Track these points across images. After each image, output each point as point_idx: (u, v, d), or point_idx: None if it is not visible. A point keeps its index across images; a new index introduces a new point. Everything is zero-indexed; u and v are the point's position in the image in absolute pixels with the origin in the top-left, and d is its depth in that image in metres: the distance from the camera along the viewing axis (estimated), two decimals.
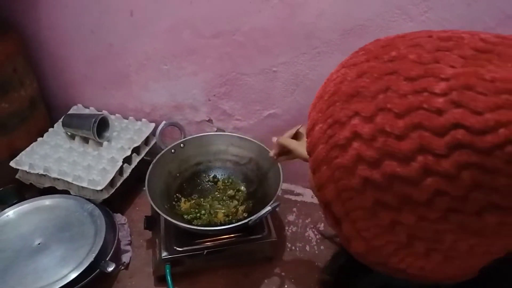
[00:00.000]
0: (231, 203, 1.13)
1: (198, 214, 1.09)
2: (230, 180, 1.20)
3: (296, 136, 0.89)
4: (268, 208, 0.92)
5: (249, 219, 0.94)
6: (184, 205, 1.12)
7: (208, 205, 1.13)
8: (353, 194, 0.32)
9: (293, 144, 0.86)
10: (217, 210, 1.11)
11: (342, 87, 0.34)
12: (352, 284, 0.45)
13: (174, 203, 1.13)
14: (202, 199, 1.15)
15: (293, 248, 1.14)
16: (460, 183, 0.27)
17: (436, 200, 0.28)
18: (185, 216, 1.09)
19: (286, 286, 1.04)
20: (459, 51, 0.29)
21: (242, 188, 1.18)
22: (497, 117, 0.25)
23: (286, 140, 0.88)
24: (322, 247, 1.14)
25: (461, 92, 0.27)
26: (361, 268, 0.40)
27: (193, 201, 1.14)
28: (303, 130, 0.89)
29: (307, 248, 1.14)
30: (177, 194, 1.15)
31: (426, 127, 0.28)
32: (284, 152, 0.91)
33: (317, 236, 1.17)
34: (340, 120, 0.33)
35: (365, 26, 0.93)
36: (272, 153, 0.93)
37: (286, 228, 1.20)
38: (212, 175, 1.22)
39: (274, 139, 0.92)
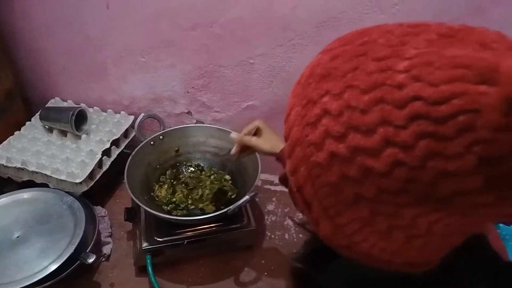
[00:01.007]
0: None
1: (179, 203, 1.10)
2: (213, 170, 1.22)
3: (255, 132, 0.91)
4: (246, 197, 0.94)
5: (227, 208, 0.96)
6: (159, 191, 1.13)
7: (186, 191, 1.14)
8: (321, 170, 0.34)
9: (253, 141, 0.89)
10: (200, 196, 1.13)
11: (316, 70, 0.35)
12: (320, 273, 0.47)
13: (153, 194, 1.14)
14: (176, 185, 1.16)
15: (273, 236, 1.17)
16: (417, 153, 0.28)
17: (395, 170, 0.29)
18: (164, 207, 1.10)
19: (265, 273, 1.06)
20: (425, 35, 0.31)
21: (227, 177, 1.18)
22: (451, 88, 0.27)
23: (245, 137, 0.90)
24: (300, 235, 1.17)
25: (421, 68, 0.29)
26: (329, 257, 0.42)
27: (166, 185, 1.15)
28: (261, 125, 0.90)
29: (286, 236, 1.17)
30: (154, 183, 1.17)
31: (387, 101, 0.29)
32: (244, 148, 0.93)
33: (296, 225, 1.20)
34: (312, 99, 0.34)
35: (339, 18, 0.95)
36: (233, 150, 0.94)
37: (266, 217, 1.22)
38: (194, 164, 1.23)
39: (233, 134, 0.94)
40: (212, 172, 1.21)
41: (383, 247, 0.35)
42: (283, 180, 0.80)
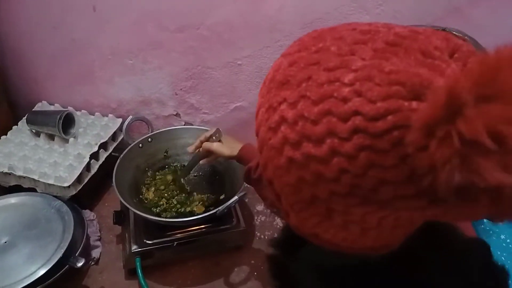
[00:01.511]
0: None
1: (167, 206, 1.10)
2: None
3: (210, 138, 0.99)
4: (235, 198, 0.95)
5: (216, 209, 0.96)
6: (147, 194, 1.13)
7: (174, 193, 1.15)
8: (282, 172, 0.36)
9: (214, 146, 0.97)
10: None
11: (277, 75, 0.37)
12: (291, 259, 0.49)
13: (141, 196, 1.14)
14: (163, 188, 1.16)
15: (262, 236, 1.17)
16: (359, 163, 0.30)
17: (342, 177, 0.31)
18: (153, 209, 1.10)
19: (255, 273, 1.07)
20: (373, 44, 0.32)
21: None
22: (386, 105, 0.29)
23: (207, 143, 0.99)
24: None
25: (363, 83, 0.30)
26: (300, 244, 0.44)
27: (153, 188, 1.15)
28: (219, 132, 0.99)
29: (276, 236, 1.17)
30: (142, 186, 1.17)
31: (334, 113, 0.31)
32: (207, 154, 1.02)
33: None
34: (272, 105, 0.36)
35: (324, 19, 0.97)
36: (191, 148, 1.04)
37: (255, 217, 1.23)
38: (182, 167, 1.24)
39: (190, 149, 1.04)
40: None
41: (343, 237, 0.38)
42: (246, 178, 0.84)
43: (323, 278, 0.45)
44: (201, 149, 1.01)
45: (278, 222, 1.21)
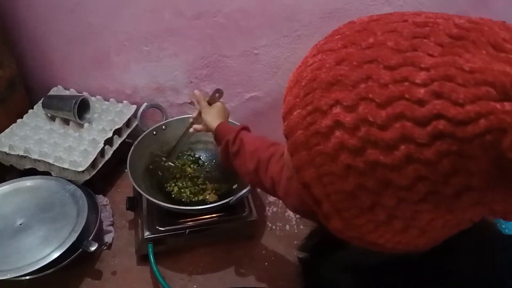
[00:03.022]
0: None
1: (184, 194, 1.11)
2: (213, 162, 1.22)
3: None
4: (248, 187, 0.94)
5: (229, 198, 0.96)
6: (173, 187, 1.13)
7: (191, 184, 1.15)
8: (335, 179, 0.33)
9: (204, 106, 0.96)
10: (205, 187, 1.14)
11: (320, 74, 0.34)
12: (326, 261, 0.47)
13: (158, 183, 1.14)
14: (186, 181, 1.16)
15: (273, 227, 1.17)
16: (441, 170, 0.28)
17: (417, 184, 0.29)
18: (173, 196, 1.10)
19: (266, 263, 1.07)
20: (436, 38, 0.30)
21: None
22: (477, 108, 0.26)
23: (203, 102, 0.97)
24: (301, 226, 1.17)
25: (441, 83, 0.28)
26: (336, 245, 0.42)
27: (180, 183, 1.15)
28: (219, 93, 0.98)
29: (287, 227, 1.17)
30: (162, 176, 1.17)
31: (408, 117, 0.28)
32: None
33: (297, 216, 1.20)
34: (320, 108, 0.33)
35: (344, 9, 0.95)
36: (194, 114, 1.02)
37: (267, 208, 1.23)
38: (195, 156, 1.24)
39: (197, 91, 1.00)
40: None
41: (397, 240, 0.35)
42: (223, 152, 0.83)
43: (359, 277, 0.43)
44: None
45: (290, 214, 1.21)
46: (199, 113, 0.98)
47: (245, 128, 0.84)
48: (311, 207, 0.38)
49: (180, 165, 1.20)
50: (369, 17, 0.36)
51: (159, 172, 1.16)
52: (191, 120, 1.02)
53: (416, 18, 0.32)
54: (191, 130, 1.02)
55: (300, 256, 0.51)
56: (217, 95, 0.98)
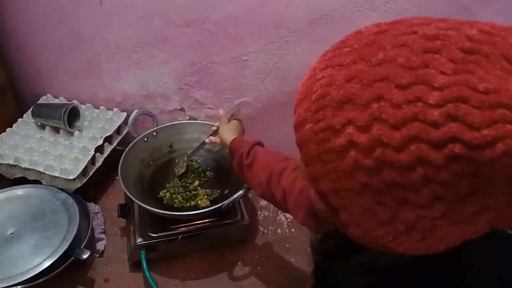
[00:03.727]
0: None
1: (176, 200, 1.11)
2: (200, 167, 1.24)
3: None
4: (240, 192, 0.95)
5: (221, 203, 0.97)
6: (165, 194, 1.14)
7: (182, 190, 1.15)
8: (352, 194, 0.33)
9: (220, 127, 1.00)
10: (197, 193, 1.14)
11: (331, 91, 0.34)
12: (343, 264, 0.47)
13: (149, 190, 1.14)
14: (178, 187, 1.17)
15: (265, 231, 1.18)
16: (458, 190, 0.28)
17: (435, 203, 0.29)
18: (164, 202, 1.11)
19: (259, 267, 1.07)
20: (448, 53, 0.29)
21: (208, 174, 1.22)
22: (494, 132, 0.26)
23: (223, 118, 1.01)
24: (293, 230, 1.18)
25: (456, 105, 0.27)
26: (354, 249, 0.41)
27: (172, 189, 1.16)
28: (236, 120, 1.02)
29: (279, 231, 1.18)
30: (153, 183, 1.17)
31: (423, 140, 0.28)
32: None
33: (288, 220, 1.22)
34: (333, 127, 0.33)
35: (331, 16, 0.97)
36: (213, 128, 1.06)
37: (259, 212, 1.24)
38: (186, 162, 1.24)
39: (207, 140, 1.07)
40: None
41: (416, 247, 0.36)
42: (238, 164, 0.85)
43: (374, 277, 0.43)
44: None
45: (281, 217, 1.22)
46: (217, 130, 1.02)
47: (259, 143, 0.87)
48: (328, 214, 0.38)
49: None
50: (377, 26, 0.36)
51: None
52: (213, 129, 1.06)
53: (426, 30, 0.31)
54: (206, 140, 1.07)
55: (315, 259, 0.51)
56: (237, 112, 1.03)
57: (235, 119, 1.02)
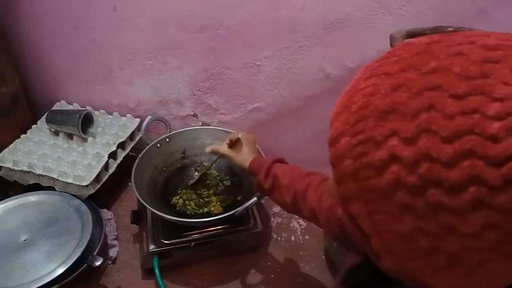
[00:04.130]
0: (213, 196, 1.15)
1: (189, 207, 1.10)
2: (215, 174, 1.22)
3: (235, 141, 0.98)
4: (254, 198, 0.94)
5: (235, 210, 0.96)
6: (177, 200, 1.13)
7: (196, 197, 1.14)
8: (389, 218, 0.30)
9: (227, 152, 0.97)
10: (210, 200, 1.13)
11: (375, 100, 0.30)
12: None
13: (162, 196, 1.14)
14: (191, 194, 1.15)
15: (279, 238, 1.16)
16: None
17: (485, 233, 0.26)
18: (177, 208, 1.10)
19: (272, 275, 1.06)
20: (510, 63, 0.26)
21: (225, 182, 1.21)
22: None
23: (221, 148, 0.99)
24: (306, 237, 1.17)
25: None
26: (385, 283, 0.38)
27: (184, 195, 1.15)
28: (242, 136, 0.97)
29: (292, 238, 1.17)
30: (166, 189, 1.16)
31: (479, 156, 0.25)
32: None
33: (302, 227, 1.20)
34: (374, 139, 0.30)
35: (346, 20, 0.96)
36: (207, 149, 1.03)
37: (272, 219, 1.22)
38: (199, 168, 1.24)
39: (208, 148, 1.03)
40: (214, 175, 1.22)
41: (454, 285, 0.31)
42: (257, 189, 0.84)
43: None
44: (216, 150, 1.01)
45: (295, 224, 1.21)
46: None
47: (278, 161, 0.85)
48: (358, 240, 0.35)
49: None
50: (428, 37, 0.33)
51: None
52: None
53: (486, 40, 0.29)
54: (207, 149, 1.04)
55: None
56: (236, 137, 0.98)
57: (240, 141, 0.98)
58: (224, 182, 1.20)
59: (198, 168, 1.22)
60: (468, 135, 0.25)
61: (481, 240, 0.26)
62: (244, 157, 0.93)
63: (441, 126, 0.26)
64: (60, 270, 0.91)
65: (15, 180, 1.17)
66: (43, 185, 1.15)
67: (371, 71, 0.33)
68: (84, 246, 0.96)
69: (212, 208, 1.10)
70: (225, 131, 1.20)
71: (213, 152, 1.02)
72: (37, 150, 1.19)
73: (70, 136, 1.24)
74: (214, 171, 1.22)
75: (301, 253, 1.12)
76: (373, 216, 0.31)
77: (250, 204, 0.94)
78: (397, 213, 0.29)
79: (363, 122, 0.31)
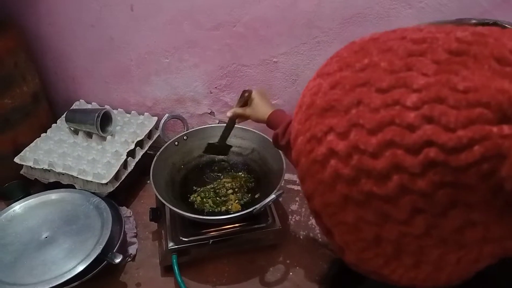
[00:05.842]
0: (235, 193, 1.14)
1: (207, 205, 1.10)
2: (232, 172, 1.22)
3: (247, 100, 0.96)
4: (272, 196, 0.93)
5: (253, 208, 0.95)
6: (195, 198, 1.13)
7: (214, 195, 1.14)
8: (336, 209, 0.32)
9: (247, 112, 0.94)
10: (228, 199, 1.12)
11: (316, 99, 0.32)
12: None
13: (180, 194, 1.14)
14: (209, 192, 1.15)
15: (297, 236, 1.15)
16: (437, 202, 0.26)
17: (415, 217, 0.27)
18: (195, 206, 1.10)
19: (291, 273, 1.05)
20: (433, 55, 0.28)
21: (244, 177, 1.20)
22: (470, 133, 0.24)
23: (238, 110, 0.96)
24: None
25: (432, 106, 0.25)
26: (356, 277, 0.39)
27: (202, 193, 1.14)
28: (254, 94, 0.94)
29: (311, 235, 1.15)
30: (184, 187, 1.17)
31: (398, 145, 0.26)
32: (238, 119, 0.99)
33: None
34: (316, 136, 0.32)
35: (364, 14, 0.94)
36: (228, 113, 0.99)
37: (290, 217, 1.21)
38: (216, 166, 1.23)
39: (229, 113, 0.98)
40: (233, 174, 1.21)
41: (412, 276, 0.33)
42: (274, 144, 0.83)
43: None
44: (233, 113, 0.97)
45: (313, 222, 1.19)
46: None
47: None
48: (327, 237, 0.36)
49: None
50: (370, 35, 0.34)
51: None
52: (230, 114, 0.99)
53: (415, 35, 0.30)
54: (228, 114, 0.99)
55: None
56: (246, 95, 0.96)
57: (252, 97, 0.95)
58: (243, 181, 1.19)
59: (216, 168, 1.21)
60: (389, 126, 0.27)
61: (414, 225, 0.27)
62: (262, 112, 0.90)
63: (367, 119, 0.28)
64: (81, 267, 0.92)
65: (35, 179, 1.19)
66: (63, 183, 1.16)
67: (318, 72, 0.35)
68: (104, 244, 0.97)
69: (230, 206, 1.10)
70: (242, 128, 1.19)
71: (234, 117, 0.98)
72: (57, 148, 1.21)
73: (89, 134, 1.25)
74: (241, 173, 1.21)
75: (319, 251, 1.11)
76: (327, 209, 0.33)
77: (268, 201, 0.93)
78: (341, 204, 0.31)
79: (309, 121, 0.33)
